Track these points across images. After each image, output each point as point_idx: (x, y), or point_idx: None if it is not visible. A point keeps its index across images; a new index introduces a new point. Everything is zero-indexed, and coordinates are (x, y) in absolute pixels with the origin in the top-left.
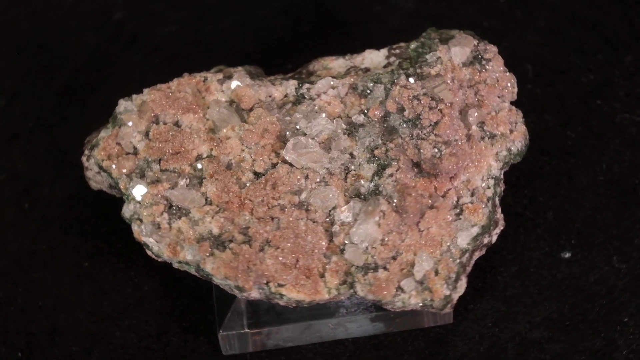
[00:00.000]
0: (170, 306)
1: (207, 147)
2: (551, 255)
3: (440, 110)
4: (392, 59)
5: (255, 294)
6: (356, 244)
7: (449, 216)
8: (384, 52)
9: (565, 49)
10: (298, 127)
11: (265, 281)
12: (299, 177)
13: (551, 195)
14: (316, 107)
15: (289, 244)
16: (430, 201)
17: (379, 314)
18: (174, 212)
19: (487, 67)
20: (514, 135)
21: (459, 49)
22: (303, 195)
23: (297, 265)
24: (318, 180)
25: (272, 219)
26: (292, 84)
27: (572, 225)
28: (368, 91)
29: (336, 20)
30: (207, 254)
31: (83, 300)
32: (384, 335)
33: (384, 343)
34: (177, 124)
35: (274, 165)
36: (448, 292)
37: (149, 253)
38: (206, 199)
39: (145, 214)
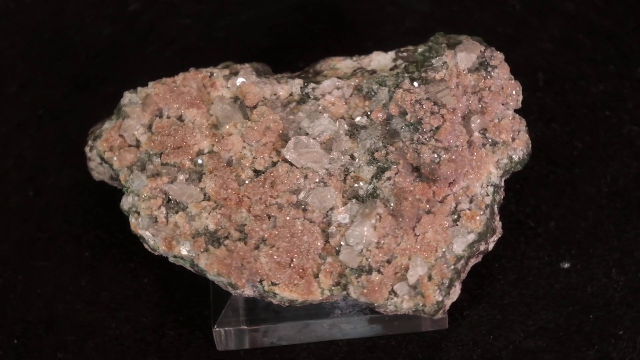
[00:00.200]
0: (168, 299)
1: (209, 142)
2: (550, 265)
3: (442, 116)
4: (399, 61)
5: (249, 292)
6: (351, 245)
7: (445, 222)
8: (391, 54)
9: (578, 58)
10: (301, 126)
11: (258, 279)
12: (298, 176)
13: (554, 205)
14: (320, 107)
15: (284, 243)
16: (427, 206)
17: (377, 317)
18: (172, 206)
19: (493, 74)
20: (516, 144)
21: (465, 55)
22: (301, 195)
23: (292, 265)
24: (317, 180)
25: (269, 217)
26: (297, 82)
27: (574, 235)
28: (372, 93)
29: (350, 20)
30: (202, 250)
31: (82, 290)
32: (378, 337)
33: (378, 345)
34: (180, 118)
35: (274, 164)
36: (440, 298)
37: (146, 246)
38: (204, 195)
39: (143, 206)
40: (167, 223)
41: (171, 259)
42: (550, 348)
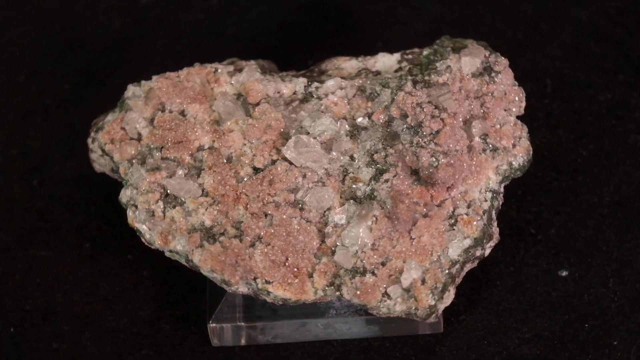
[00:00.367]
0: (166, 293)
1: (210, 138)
2: (548, 273)
3: (442, 120)
4: (404, 64)
5: (243, 289)
6: (347, 246)
7: (442, 226)
8: (396, 56)
9: (587, 66)
10: (302, 125)
11: (253, 277)
12: (296, 175)
13: (556, 212)
14: (322, 107)
15: (280, 242)
16: (425, 209)
17: (373, 318)
18: (170, 201)
19: (496, 79)
20: (516, 150)
21: (469, 59)
22: (299, 194)
23: (286, 264)
24: (315, 180)
25: (266, 215)
26: (301, 81)
27: (573, 243)
28: (375, 95)
29: (361, 20)
30: (196, 246)
31: (80, 281)
32: (373, 339)
33: (372, 347)
34: (182, 113)
35: (273, 162)
36: (433, 302)
37: (142, 240)
38: (202, 191)
39: (140, 200)
40: (163, 217)
41: (167, 254)
42: (544, 356)
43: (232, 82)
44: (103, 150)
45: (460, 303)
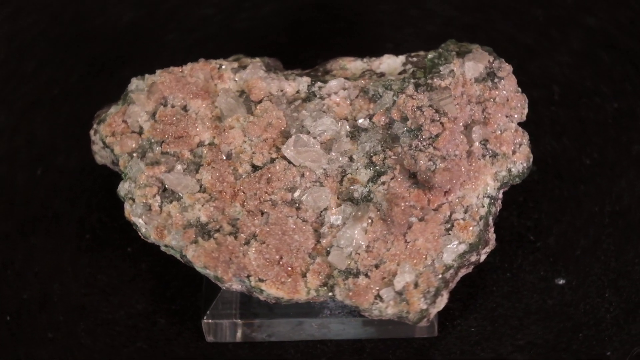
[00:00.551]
0: (163, 288)
1: (210, 134)
2: (545, 280)
3: (442, 124)
4: (409, 66)
5: (236, 286)
6: (341, 247)
7: (437, 230)
8: (401, 58)
9: (595, 74)
10: (304, 124)
11: (246, 274)
12: (295, 174)
13: (556, 220)
14: (324, 107)
15: (274, 240)
16: (421, 213)
17: (369, 319)
18: (167, 195)
19: (499, 85)
20: (516, 157)
21: (472, 64)
22: (296, 193)
23: (280, 262)
24: (313, 179)
25: (262, 213)
26: (305, 80)
27: (572, 252)
28: (378, 96)
29: (372, 21)
30: (190, 241)
31: (79, 272)
32: (367, 340)
33: (366, 349)
34: (184, 108)
35: (272, 160)
36: (425, 306)
37: (139, 233)
38: (200, 187)
39: (138, 194)
40: (160, 212)
41: (162, 248)
42: None
43: (236, 78)
44: (104, 143)
45: (456, 308)
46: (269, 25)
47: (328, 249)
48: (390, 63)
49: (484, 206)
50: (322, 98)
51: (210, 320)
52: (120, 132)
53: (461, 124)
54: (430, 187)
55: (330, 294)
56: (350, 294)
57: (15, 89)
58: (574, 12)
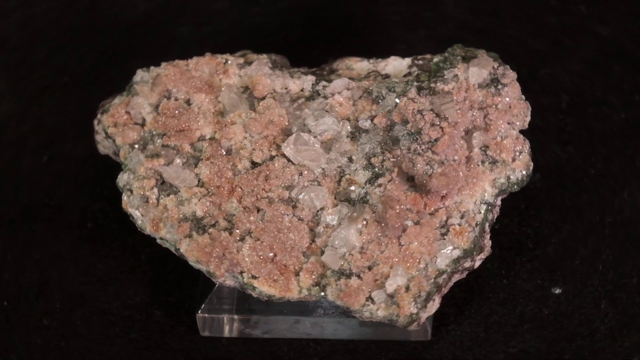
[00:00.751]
0: (161, 280)
1: (212, 129)
2: (542, 289)
3: (442, 128)
4: (414, 69)
5: (230, 282)
6: (335, 248)
7: (432, 235)
8: (407, 61)
9: (604, 85)
10: (305, 123)
11: (239, 270)
12: (293, 172)
13: (556, 229)
14: (327, 106)
15: (269, 238)
16: (417, 217)
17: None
18: (165, 188)
19: (502, 92)
20: (515, 164)
21: (476, 70)
22: (294, 192)
23: (274, 260)
24: (312, 178)
25: (258, 210)
26: (309, 79)
27: (571, 262)
28: (381, 98)
29: (385, 21)
30: (185, 235)
31: (78, 260)
32: (360, 341)
33: (359, 349)
34: (188, 102)
35: (272, 157)
36: (415, 310)
37: (136, 225)
38: (198, 181)
39: (136, 185)
40: (157, 204)
41: (158, 241)
42: None
43: (241, 74)
44: (106, 133)
45: (451, 312)
46: (283, 21)
47: (322, 248)
48: (396, 65)
49: (480, 212)
50: (325, 97)
51: (205, 315)
52: (122, 123)
53: (462, 129)
54: (427, 191)
55: (322, 293)
56: (342, 294)
57: (26, 75)
58: (587, 21)
